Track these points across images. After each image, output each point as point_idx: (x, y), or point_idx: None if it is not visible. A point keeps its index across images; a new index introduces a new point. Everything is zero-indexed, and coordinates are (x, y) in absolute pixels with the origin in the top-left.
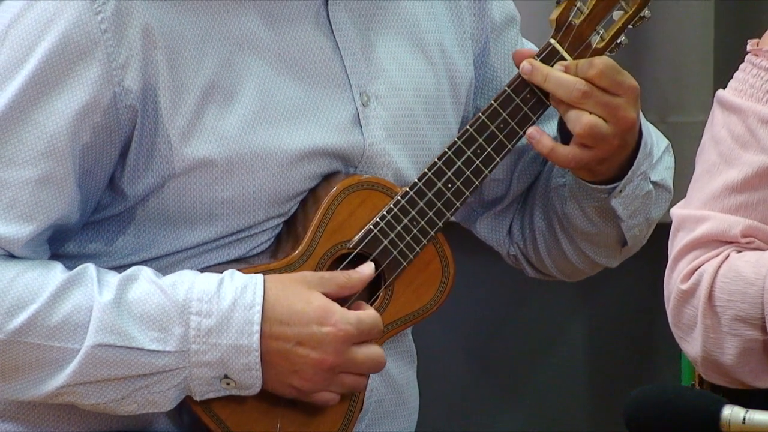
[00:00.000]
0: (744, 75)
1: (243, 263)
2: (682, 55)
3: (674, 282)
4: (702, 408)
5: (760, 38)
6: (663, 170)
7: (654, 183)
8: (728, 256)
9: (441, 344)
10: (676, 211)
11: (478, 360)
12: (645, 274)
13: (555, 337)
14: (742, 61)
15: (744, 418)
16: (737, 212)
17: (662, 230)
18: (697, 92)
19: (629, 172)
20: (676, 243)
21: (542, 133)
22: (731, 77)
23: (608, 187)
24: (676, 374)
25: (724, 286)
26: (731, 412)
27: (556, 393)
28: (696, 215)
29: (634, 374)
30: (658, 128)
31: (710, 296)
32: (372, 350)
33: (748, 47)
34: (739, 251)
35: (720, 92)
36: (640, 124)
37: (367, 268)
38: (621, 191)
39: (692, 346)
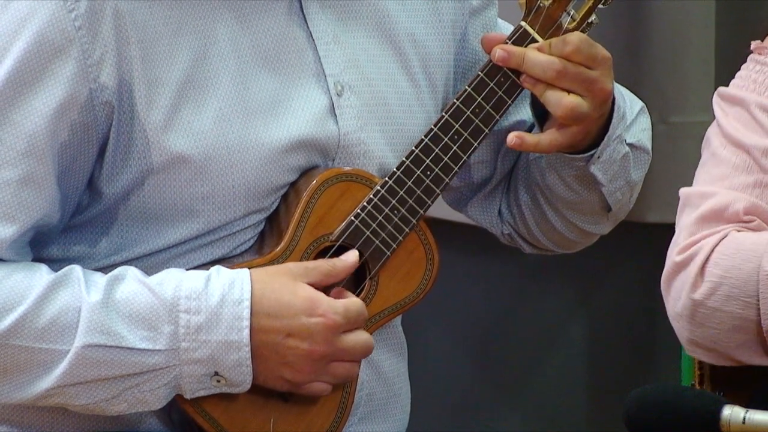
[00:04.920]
0: (747, 72)
1: (227, 263)
2: (683, 55)
3: (670, 254)
4: (702, 408)
5: (760, 39)
6: (639, 132)
7: (630, 145)
8: (727, 235)
9: (441, 344)
10: (683, 190)
11: (478, 360)
12: (645, 274)
13: (555, 337)
14: (744, 61)
15: (744, 418)
16: (743, 192)
17: (661, 231)
18: (697, 92)
19: (605, 138)
20: (681, 219)
21: (521, 136)
22: (732, 77)
23: (586, 155)
24: (676, 374)
25: (720, 261)
26: (731, 412)
27: (556, 393)
28: (701, 191)
29: (634, 374)
30: (658, 128)
31: (703, 270)
32: (359, 336)
33: (752, 47)
34: (740, 231)
35: (721, 88)
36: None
37: (352, 255)
38: (599, 157)
39: (680, 319)
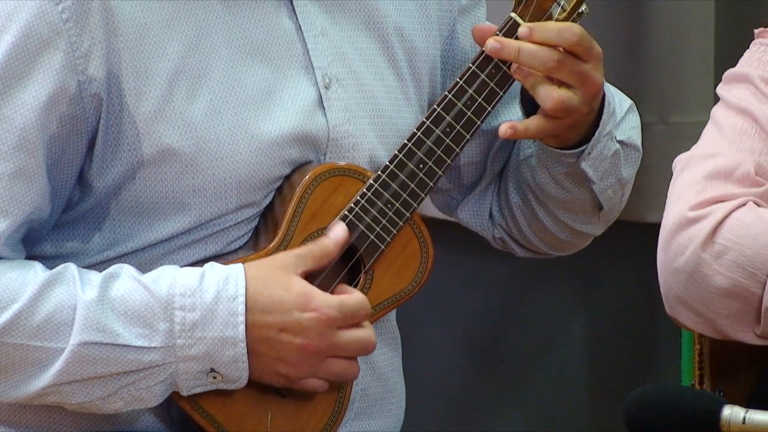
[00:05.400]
0: (750, 53)
1: (221, 260)
2: (682, 55)
3: (679, 208)
4: (702, 408)
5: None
6: (628, 129)
7: (620, 142)
8: (746, 204)
9: (441, 344)
10: (681, 155)
11: (478, 360)
12: (645, 273)
13: (555, 337)
14: None
15: (744, 418)
16: (751, 154)
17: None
18: (697, 92)
19: (596, 134)
20: (681, 179)
21: (513, 125)
22: None
23: (576, 151)
24: (676, 374)
25: (735, 226)
26: (731, 412)
27: (556, 393)
28: (703, 152)
29: (634, 374)
30: (658, 128)
31: (716, 231)
32: (358, 333)
33: (756, 32)
34: (760, 205)
35: (725, 73)
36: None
37: (339, 229)
38: (590, 153)
39: (677, 274)
